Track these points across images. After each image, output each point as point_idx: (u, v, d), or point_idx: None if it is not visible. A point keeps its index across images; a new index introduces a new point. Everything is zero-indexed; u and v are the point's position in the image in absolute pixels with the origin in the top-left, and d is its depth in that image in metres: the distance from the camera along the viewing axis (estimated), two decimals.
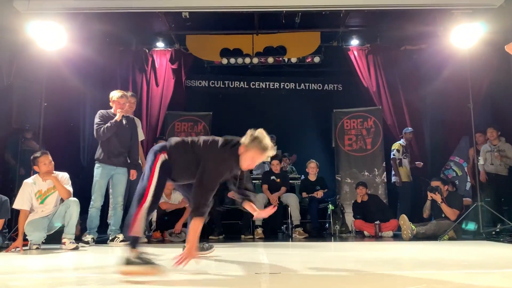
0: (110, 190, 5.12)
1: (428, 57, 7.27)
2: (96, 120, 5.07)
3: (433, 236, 5.32)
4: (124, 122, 5.13)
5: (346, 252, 4.20)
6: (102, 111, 5.15)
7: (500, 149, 6.38)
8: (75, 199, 4.52)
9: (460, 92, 6.35)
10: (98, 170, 5.01)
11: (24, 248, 4.25)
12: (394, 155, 6.98)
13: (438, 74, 7.20)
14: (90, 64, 6.86)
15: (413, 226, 5.47)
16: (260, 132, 2.89)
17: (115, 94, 5.15)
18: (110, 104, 5.18)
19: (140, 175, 5.35)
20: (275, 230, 6.47)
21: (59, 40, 5.47)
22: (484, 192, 6.13)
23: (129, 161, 5.17)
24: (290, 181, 6.97)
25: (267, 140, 2.85)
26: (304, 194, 6.62)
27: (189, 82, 8.90)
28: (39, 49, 5.46)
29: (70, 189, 4.56)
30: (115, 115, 5.09)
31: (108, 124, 4.98)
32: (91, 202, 4.92)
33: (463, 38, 5.67)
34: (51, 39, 5.43)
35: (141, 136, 5.80)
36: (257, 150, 2.81)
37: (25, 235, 4.31)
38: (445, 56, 6.62)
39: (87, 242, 4.74)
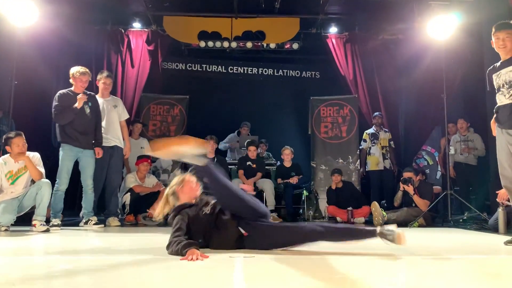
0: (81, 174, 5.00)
1: (404, 47, 7.37)
2: (54, 102, 4.83)
3: (403, 223, 5.45)
4: (85, 106, 4.90)
5: None
6: (61, 91, 4.92)
7: (469, 139, 6.56)
8: (47, 180, 4.42)
9: (434, 83, 6.48)
10: (63, 152, 4.85)
11: None
12: (361, 145, 7.09)
13: (414, 64, 7.32)
14: (63, 42, 6.67)
15: (384, 213, 5.59)
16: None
17: (76, 70, 4.90)
18: (71, 81, 4.96)
19: (118, 158, 5.31)
20: None
21: (30, 16, 5.26)
22: (453, 181, 6.31)
23: (93, 141, 5.02)
24: (266, 167, 7.01)
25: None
26: (279, 180, 6.67)
27: (166, 65, 8.77)
28: (9, 25, 5.24)
29: (42, 170, 4.45)
30: (75, 94, 4.87)
31: (68, 110, 4.77)
32: (56, 185, 4.76)
33: (439, 30, 5.75)
34: (22, 15, 5.21)
35: (125, 115, 5.63)
36: (187, 181, 2.89)
37: None
38: (421, 46, 6.73)
39: (57, 225, 4.64)
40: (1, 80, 5.36)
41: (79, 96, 4.85)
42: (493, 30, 3.46)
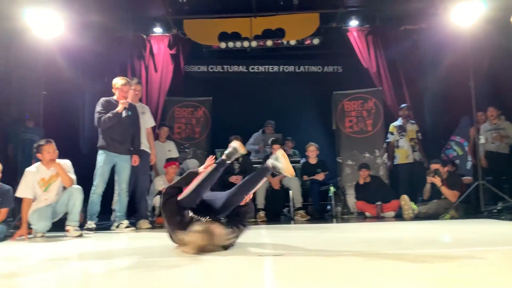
0: (116, 177, 5.13)
1: (428, 37, 7.22)
2: (97, 108, 5.04)
3: (434, 216, 5.35)
4: (124, 114, 5.06)
5: (348, 233, 4.24)
6: (103, 98, 5.12)
7: (500, 128, 6.36)
8: (78, 186, 4.53)
9: (460, 71, 6.31)
10: (101, 157, 5.01)
11: (28, 236, 4.29)
12: (388, 138, 6.98)
13: (438, 54, 7.15)
14: (88, 51, 6.82)
15: (414, 206, 5.50)
16: None
17: (118, 82, 5.11)
18: (113, 91, 5.15)
19: (145, 161, 5.42)
20: (277, 213, 6.51)
21: (56, 28, 5.42)
22: (485, 171, 6.14)
23: (131, 148, 5.17)
24: (292, 165, 6.97)
25: None
26: (305, 177, 6.64)
27: (188, 68, 8.85)
28: (36, 37, 5.41)
29: (73, 176, 4.57)
30: (117, 102, 5.06)
31: (110, 114, 4.95)
32: (93, 188, 4.93)
33: (464, 16, 5.60)
34: (48, 27, 5.37)
35: (151, 122, 5.77)
36: None
37: (29, 223, 4.34)
38: (445, 35, 6.56)
39: (90, 229, 4.77)
40: (30, 91, 5.53)
41: (121, 101, 5.02)
42: None
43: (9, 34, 5.58)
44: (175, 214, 2.87)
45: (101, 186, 4.97)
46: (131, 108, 5.20)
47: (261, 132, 7.97)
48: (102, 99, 5.10)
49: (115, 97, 5.14)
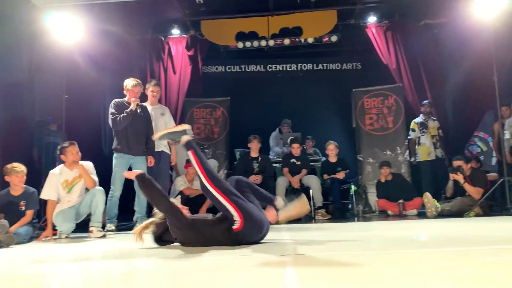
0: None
1: (449, 31, 7.09)
2: (111, 110, 5.09)
3: (458, 213, 5.25)
4: (139, 111, 5.13)
5: (370, 232, 4.18)
6: (116, 100, 5.17)
7: None
8: (100, 188, 4.61)
9: (483, 65, 6.17)
10: (116, 160, 5.06)
11: (53, 237, 4.38)
12: (410, 135, 6.88)
13: (460, 48, 7.01)
14: (107, 55, 6.93)
15: (437, 204, 5.40)
16: None
17: (129, 83, 5.15)
18: (124, 92, 5.19)
19: (165, 162, 5.46)
20: None
21: (76, 32, 5.52)
22: (511, 167, 5.98)
23: (145, 149, 5.20)
24: (311, 163, 6.95)
25: None
26: (325, 176, 6.59)
27: (206, 68, 8.91)
28: (57, 41, 5.52)
29: (96, 178, 4.65)
30: (129, 103, 5.10)
31: (124, 113, 5.00)
32: (111, 192, 4.97)
33: (486, 9, 5.47)
34: (69, 31, 5.48)
35: (172, 123, 5.79)
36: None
37: (53, 224, 4.43)
38: (467, 28, 6.42)
39: (111, 230, 4.83)
40: (52, 95, 5.64)
41: (132, 99, 5.07)
42: None
43: (32, 38, 5.69)
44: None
45: (119, 190, 5.01)
46: (142, 108, 5.23)
47: (278, 131, 7.94)
48: (114, 101, 5.15)
49: (126, 99, 5.18)
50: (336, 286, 1.71)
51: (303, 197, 2.97)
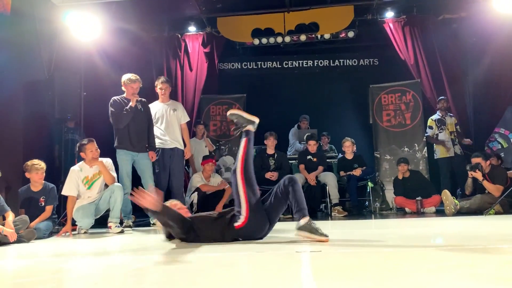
0: (141, 177, 5.18)
1: (468, 25, 6.95)
2: (110, 108, 5.07)
3: (478, 211, 5.16)
4: (139, 107, 5.12)
5: (387, 229, 4.14)
6: (114, 97, 5.14)
7: None
8: (119, 184, 4.67)
9: (504, 61, 6.05)
10: (120, 157, 5.06)
11: (73, 232, 4.47)
12: (427, 132, 6.79)
13: (480, 43, 6.87)
14: (125, 52, 6.99)
15: (456, 201, 5.33)
16: None
17: (127, 78, 5.10)
18: (123, 88, 5.16)
19: (179, 158, 5.50)
20: (314, 209, 6.46)
21: (94, 30, 5.59)
22: None
23: (147, 144, 5.19)
24: (328, 160, 6.92)
25: None
26: (342, 173, 6.55)
27: (222, 65, 8.93)
28: (75, 39, 5.59)
29: (114, 174, 4.72)
30: (128, 100, 5.08)
31: (124, 111, 4.99)
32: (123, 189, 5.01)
33: (507, 3, 5.35)
34: (87, 30, 5.55)
35: (185, 118, 5.78)
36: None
37: (73, 220, 4.51)
38: (487, 23, 6.30)
39: (129, 226, 4.89)
40: (71, 92, 5.72)
41: (132, 95, 5.06)
42: None
43: (51, 37, 5.78)
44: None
45: (128, 187, 5.00)
46: (142, 103, 5.21)
47: (296, 127, 7.92)
48: (113, 99, 5.12)
49: (124, 95, 5.16)
50: (352, 284, 1.71)
51: (326, 237, 2.91)
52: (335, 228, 4.42)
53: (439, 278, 1.74)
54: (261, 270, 2.12)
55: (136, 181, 5.23)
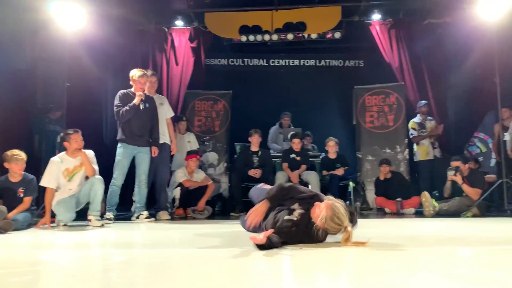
0: (136, 169, 5.20)
1: (453, 31, 7.06)
2: (116, 101, 5.11)
3: (456, 213, 5.27)
4: (141, 106, 5.11)
5: (367, 229, 4.19)
6: (122, 91, 5.17)
7: None
8: (99, 177, 4.61)
9: (486, 66, 6.15)
10: (120, 149, 5.10)
11: (51, 224, 4.40)
12: (412, 134, 6.89)
13: (463, 48, 6.99)
14: (110, 44, 6.89)
15: (435, 203, 5.42)
16: None
17: (135, 73, 5.15)
18: (131, 83, 5.21)
19: (165, 153, 5.48)
20: None
21: (80, 20, 5.49)
22: (509, 169, 5.98)
23: (150, 140, 5.23)
24: (310, 159, 6.97)
25: None
26: (325, 172, 6.61)
27: (209, 61, 8.89)
28: (60, 29, 5.50)
29: (96, 167, 4.66)
30: (135, 94, 5.11)
31: (127, 107, 5.01)
32: (113, 180, 5.02)
33: (490, 10, 5.46)
34: (72, 20, 5.45)
35: (171, 113, 5.81)
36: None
37: (52, 212, 4.44)
38: (470, 29, 6.40)
39: (110, 219, 4.86)
40: (55, 82, 5.62)
41: (137, 93, 5.08)
42: None
43: (35, 25, 5.67)
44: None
45: (121, 179, 5.04)
46: (148, 100, 5.24)
47: (278, 126, 7.93)
48: (120, 92, 5.16)
49: (132, 89, 5.19)
50: (331, 282, 1.73)
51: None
52: None
53: (416, 278, 1.77)
54: (241, 266, 2.13)
55: (131, 176, 5.23)
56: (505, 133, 6.16)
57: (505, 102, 5.93)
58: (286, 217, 2.73)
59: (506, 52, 6.17)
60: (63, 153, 4.65)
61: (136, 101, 5.05)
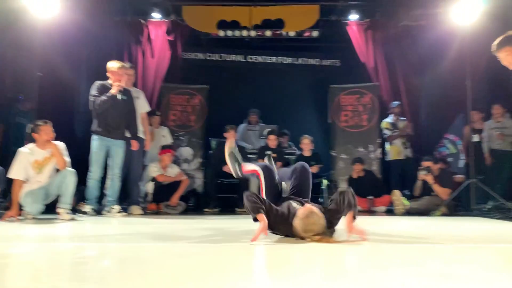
0: (109, 162, 5.11)
1: (427, 34, 7.19)
2: (92, 92, 4.99)
3: (425, 212, 5.39)
4: (119, 97, 5.03)
5: (339, 226, 4.25)
6: (98, 82, 5.06)
7: (503, 126, 6.37)
8: (72, 169, 4.51)
9: (458, 70, 6.32)
10: (95, 142, 4.98)
11: (19, 217, 4.27)
12: (386, 133, 7.02)
13: (437, 51, 7.15)
14: (85, 34, 6.73)
15: (405, 202, 5.54)
16: None
17: (114, 65, 5.04)
18: (108, 74, 5.09)
19: (139, 147, 5.40)
20: None
21: (54, 9, 5.34)
22: (478, 169, 6.16)
23: (128, 134, 5.13)
24: (286, 156, 7.00)
25: None
26: None
27: (185, 55, 8.77)
28: (32, 17, 5.33)
29: (67, 159, 4.55)
30: (112, 86, 5.01)
31: (104, 97, 4.91)
32: (90, 174, 4.93)
33: (463, 14, 5.60)
34: (46, 9, 5.29)
35: (146, 107, 5.74)
36: None
37: (20, 204, 4.31)
38: (444, 32, 6.56)
39: (84, 212, 4.77)
40: (25, 72, 5.47)
41: (115, 83, 4.98)
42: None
43: (7, 14, 5.49)
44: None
45: (98, 172, 4.96)
46: (125, 92, 5.15)
47: (246, 124, 7.90)
48: (97, 83, 5.05)
49: (110, 81, 5.09)
50: (302, 277, 1.74)
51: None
52: None
53: (386, 275, 1.81)
54: (214, 262, 2.12)
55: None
56: (473, 135, 6.34)
57: (475, 105, 6.11)
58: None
59: (477, 56, 6.35)
60: (33, 144, 4.52)
61: (114, 91, 4.94)
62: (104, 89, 5.00)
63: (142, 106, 5.61)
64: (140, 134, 5.50)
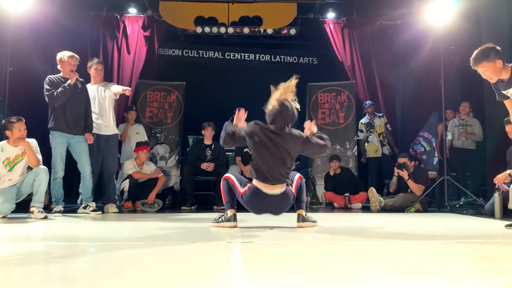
0: (77, 161, 4.97)
1: (402, 33, 7.31)
2: (46, 86, 4.78)
3: (400, 209, 5.48)
4: (79, 86, 4.88)
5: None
6: (50, 76, 4.87)
7: (468, 124, 6.54)
8: (44, 167, 4.41)
9: (432, 68, 6.45)
10: (55, 139, 4.80)
11: None
12: (358, 136, 7.12)
13: (412, 50, 7.28)
14: (58, 28, 6.57)
15: (381, 199, 5.62)
16: None
17: (64, 54, 4.84)
18: (59, 67, 4.90)
19: (113, 144, 5.29)
20: None
21: (24, 0, 5.17)
22: (451, 167, 6.32)
23: (85, 127, 4.96)
24: None
25: None
26: None
27: (162, 51, 8.68)
28: (2, 10, 5.16)
29: (40, 156, 4.44)
30: (65, 79, 4.82)
31: (61, 88, 4.72)
32: (53, 174, 4.75)
33: (438, 15, 5.70)
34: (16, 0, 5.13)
35: (118, 88, 5.46)
36: None
37: None
38: (419, 32, 6.67)
39: (60, 211, 4.66)
40: None
41: (71, 73, 4.80)
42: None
43: None
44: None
45: (61, 170, 4.79)
46: (82, 84, 4.99)
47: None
48: (49, 77, 4.84)
49: (61, 74, 4.90)
50: (279, 274, 1.74)
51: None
52: (267, 220, 4.49)
53: (362, 270, 1.83)
54: (191, 260, 2.10)
55: (72, 166, 5.01)
56: (447, 133, 6.49)
57: (448, 103, 6.25)
58: None
59: (451, 56, 6.49)
60: (4, 141, 4.39)
61: (71, 80, 4.75)
62: (56, 83, 4.79)
63: (113, 95, 5.41)
64: (115, 131, 5.39)
